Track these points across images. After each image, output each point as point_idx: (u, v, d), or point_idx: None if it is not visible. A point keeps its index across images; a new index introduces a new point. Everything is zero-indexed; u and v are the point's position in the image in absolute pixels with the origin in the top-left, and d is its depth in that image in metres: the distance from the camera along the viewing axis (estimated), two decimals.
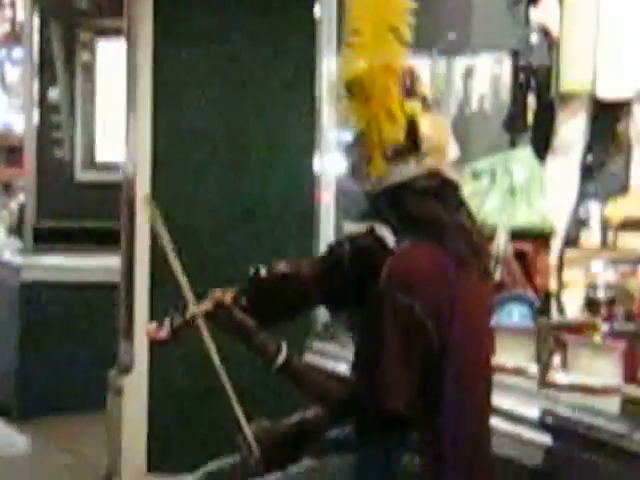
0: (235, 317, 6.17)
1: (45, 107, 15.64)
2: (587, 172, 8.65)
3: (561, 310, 7.91)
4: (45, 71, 15.76)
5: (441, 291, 5.95)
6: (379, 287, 5.93)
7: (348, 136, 6.82)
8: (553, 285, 8.15)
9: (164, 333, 6.16)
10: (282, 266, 6.72)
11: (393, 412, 5.94)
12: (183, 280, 6.16)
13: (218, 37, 11.32)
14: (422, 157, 6.00)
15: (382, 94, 6.11)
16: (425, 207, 6.14)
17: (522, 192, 8.55)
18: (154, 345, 9.45)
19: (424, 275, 6.00)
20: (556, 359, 7.24)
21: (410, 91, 6.14)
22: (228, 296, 6.20)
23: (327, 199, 9.58)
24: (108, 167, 14.03)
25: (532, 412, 6.86)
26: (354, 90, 6.26)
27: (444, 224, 6.11)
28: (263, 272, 6.52)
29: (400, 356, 5.89)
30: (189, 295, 6.19)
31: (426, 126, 6.02)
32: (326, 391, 6.29)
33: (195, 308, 6.20)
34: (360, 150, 6.16)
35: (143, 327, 10.35)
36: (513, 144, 9.04)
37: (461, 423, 6.10)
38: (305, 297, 6.80)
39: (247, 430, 5.78)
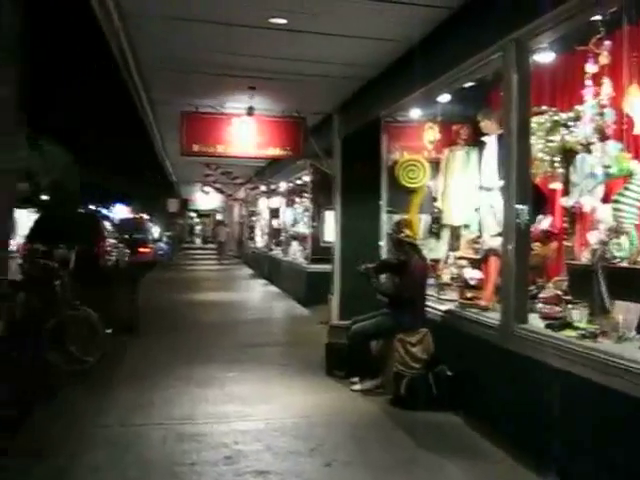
0: (370, 271, 7.29)
1: (314, 223, 15.35)
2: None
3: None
4: (314, 212, 15.47)
5: (421, 268, 7.08)
6: (409, 268, 6.98)
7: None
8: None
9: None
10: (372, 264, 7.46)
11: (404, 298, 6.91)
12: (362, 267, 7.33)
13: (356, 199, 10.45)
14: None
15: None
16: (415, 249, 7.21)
17: (433, 251, 8.41)
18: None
19: (420, 266, 7.09)
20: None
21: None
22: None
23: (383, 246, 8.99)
24: (328, 241, 13.20)
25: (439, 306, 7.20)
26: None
27: (422, 255, 7.29)
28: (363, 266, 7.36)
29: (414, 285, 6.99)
30: (360, 266, 7.35)
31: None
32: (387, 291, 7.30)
33: (363, 267, 7.28)
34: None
35: (338, 285, 10.76)
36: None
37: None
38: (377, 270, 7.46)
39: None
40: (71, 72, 17.80)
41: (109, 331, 8.36)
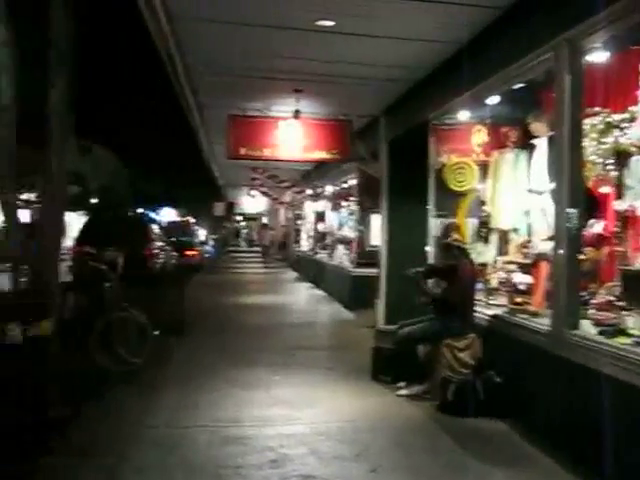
0: (418, 275, 7.26)
1: (360, 227, 15.08)
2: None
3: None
4: (360, 216, 15.31)
5: (470, 272, 6.95)
6: (458, 272, 6.87)
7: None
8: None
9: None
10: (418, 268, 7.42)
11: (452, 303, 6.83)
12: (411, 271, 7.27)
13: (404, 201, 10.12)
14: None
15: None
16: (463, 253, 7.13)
17: (481, 255, 8.28)
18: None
19: (469, 270, 6.98)
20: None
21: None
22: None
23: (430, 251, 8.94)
24: (374, 245, 13.06)
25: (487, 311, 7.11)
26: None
27: (471, 259, 7.22)
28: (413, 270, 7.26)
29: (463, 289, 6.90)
30: (409, 271, 7.25)
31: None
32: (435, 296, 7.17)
33: (412, 271, 7.21)
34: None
35: (384, 289, 10.40)
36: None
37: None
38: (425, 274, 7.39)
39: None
40: (120, 76, 17.99)
41: (156, 333, 8.42)
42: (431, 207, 9.07)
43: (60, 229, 6.19)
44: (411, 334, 7.05)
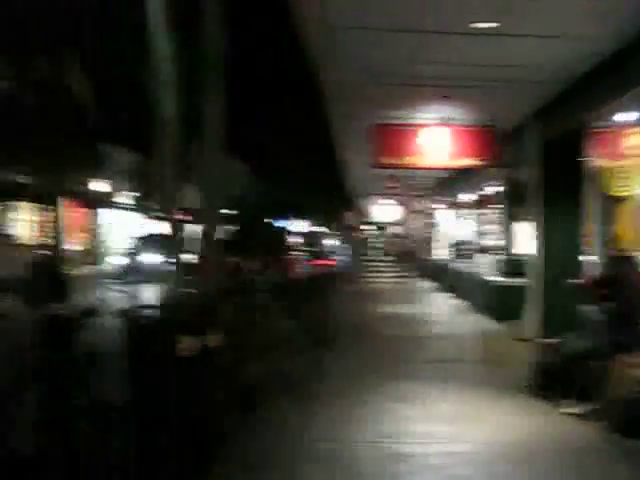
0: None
1: (504, 235, 14.57)
2: None
3: None
4: (504, 224, 14.69)
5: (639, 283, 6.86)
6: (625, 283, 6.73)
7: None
8: None
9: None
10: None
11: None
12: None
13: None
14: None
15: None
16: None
17: None
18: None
19: (637, 281, 6.75)
20: None
21: None
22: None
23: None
24: (520, 254, 12.79)
25: None
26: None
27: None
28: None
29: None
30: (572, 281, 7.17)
31: None
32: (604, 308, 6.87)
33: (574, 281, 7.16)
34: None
35: (538, 300, 9.74)
36: None
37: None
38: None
39: None
40: (261, 86, 18.18)
41: (307, 343, 8.41)
42: (589, 214, 8.62)
43: (219, 241, 6.28)
44: (578, 349, 6.72)
